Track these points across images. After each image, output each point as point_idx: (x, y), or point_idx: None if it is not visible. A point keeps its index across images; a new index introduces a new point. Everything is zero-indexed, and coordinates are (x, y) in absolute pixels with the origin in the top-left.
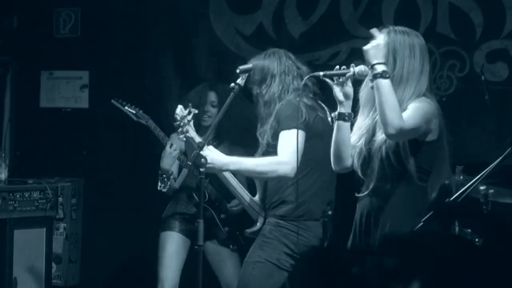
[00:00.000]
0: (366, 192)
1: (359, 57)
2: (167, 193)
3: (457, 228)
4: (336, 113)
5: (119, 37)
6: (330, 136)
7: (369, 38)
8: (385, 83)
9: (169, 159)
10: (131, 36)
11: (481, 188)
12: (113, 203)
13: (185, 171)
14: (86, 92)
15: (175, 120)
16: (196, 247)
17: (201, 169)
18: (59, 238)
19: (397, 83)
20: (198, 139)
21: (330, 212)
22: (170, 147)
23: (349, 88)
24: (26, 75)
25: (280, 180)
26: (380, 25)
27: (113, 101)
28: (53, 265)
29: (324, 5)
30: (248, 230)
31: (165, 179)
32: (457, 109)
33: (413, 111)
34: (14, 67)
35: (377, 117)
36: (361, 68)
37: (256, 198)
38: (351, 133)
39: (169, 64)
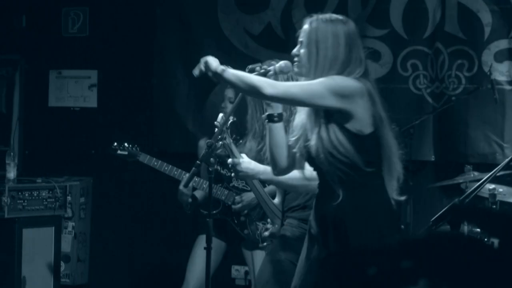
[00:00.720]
0: (320, 197)
1: (367, 56)
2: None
3: (466, 228)
4: (265, 115)
5: (127, 36)
6: None
7: (378, 37)
8: (279, 126)
9: (184, 196)
10: (139, 35)
11: (490, 187)
12: (121, 202)
13: (194, 170)
14: (95, 91)
15: (215, 127)
16: (204, 248)
17: (210, 169)
18: (68, 237)
19: (319, 73)
20: (234, 148)
21: None
22: (185, 186)
23: None
24: (35, 74)
25: (308, 193)
26: (384, 25)
27: (106, 151)
28: (62, 264)
29: (332, 5)
30: (267, 232)
31: (188, 206)
32: (466, 108)
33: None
34: (23, 66)
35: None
36: (281, 64)
37: (276, 201)
38: (287, 132)
39: (177, 63)
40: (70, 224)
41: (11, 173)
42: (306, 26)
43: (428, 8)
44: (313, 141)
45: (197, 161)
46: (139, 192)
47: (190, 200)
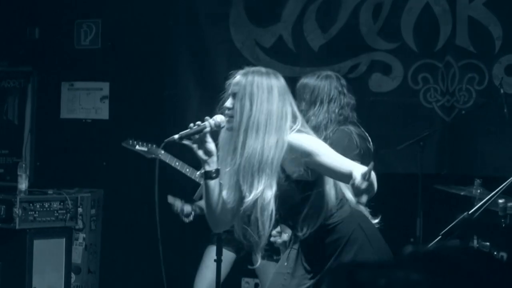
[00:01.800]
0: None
1: (378, 69)
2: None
3: (475, 242)
4: (202, 172)
5: (139, 49)
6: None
7: (389, 51)
8: (215, 183)
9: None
10: (151, 48)
11: (500, 201)
12: (132, 214)
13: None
14: (107, 103)
15: None
16: (214, 260)
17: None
18: (79, 248)
19: (255, 130)
20: None
21: None
22: (195, 199)
23: (210, 144)
24: (47, 86)
25: None
26: (395, 39)
27: (123, 144)
28: (72, 275)
29: (343, 18)
30: (279, 240)
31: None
32: (476, 122)
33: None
34: (35, 78)
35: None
36: (216, 119)
37: None
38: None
39: (188, 75)
40: (81, 235)
41: (23, 185)
42: (239, 78)
43: (439, 21)
44: (249, 200)
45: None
46: (150, 203)
47: (190, 208)
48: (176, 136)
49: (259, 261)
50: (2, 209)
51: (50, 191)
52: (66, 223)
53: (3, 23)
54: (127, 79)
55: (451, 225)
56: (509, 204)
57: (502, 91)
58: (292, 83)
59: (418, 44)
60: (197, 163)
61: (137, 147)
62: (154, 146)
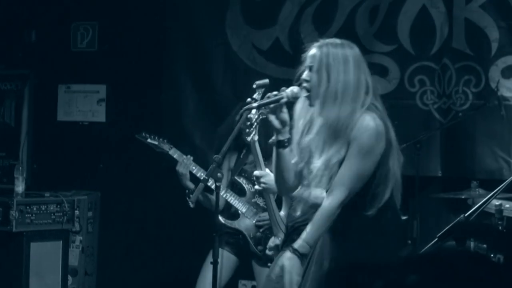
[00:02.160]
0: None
1: (375, 71)
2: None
3: (472, 244)
4: (275, 140)
5: (136, 51)
6: None
7: (385, 53)
8: (287, 151)
9: (181, 176)
10: (148, 50)
11: (496, 203)
12: (129, 217)
13: (201, 185)
14: (103, 106)
15: (249, 120)
16: (211, 262)
17: (217, 183)
18: (75, 251)
19: (332, 100)
20: (259, 153)
21: None
22: (184, 166)
23: (285, 114)
24: (44, 88)
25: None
26: (392, 41)
27: (136, 135)
28: (69, 277)
29: (340, 20)
30: (272, 244)
31: (190, 195)
32: (473, 124)
33: (344, 174)
34: (32, 81)
35: (314, 138)
36: (292, 90)
37: (282, 213)
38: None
39: (186, 78)
40: (78, 238)
41: (20, 187)
42: (315, 51)
43: (436, 24)
44: (316, 164)
45: (204, 177)
46: (147, 206)
47: (192, 186)
48: (255, 104)
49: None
50: None
51: (47, 194)
52: (63, 226)
53: None
54: (124, 81)
55: (447, 228)
56: (506, 206)
57: (498, 93)
58: (289, 86)
59: (414, 47)
60: (202, 162)
61: (148, 140)
62: (165, 141)
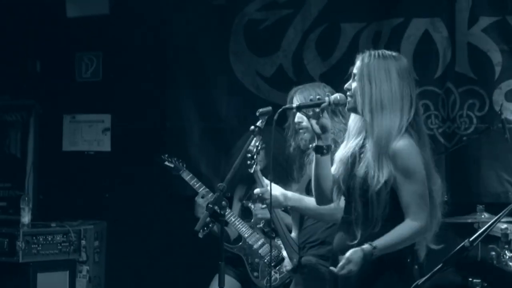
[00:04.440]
0: (355, 242)
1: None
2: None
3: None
4: (314, 146)
5: (140, 81)
6: None
7: None
8: (326, 159)
9: (200, 208)
10: (152, 79)
11: (502, 227)
12: (135, 246)
13: (206, 214)
14: (108, 135)
15: (249, 152)
16: None
17: (222, 211)
18: (82, 281)
19: (380, 110)
20: (260, 175)
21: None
22: (202, 197)
23: (326, 120)
24: (49, 119)
25: (329, 223)
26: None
27: (155, 157)
28: None
29: (343, 46)
30: (288, 267)
31: (204, 227)
32: (477, 148)
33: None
34: (37, 111)
35: (363, 144)
36: (336, 97)
37: (293, 235)
38: (331, 164)
39: (190, 106)
40: (85, 268)
41: (26, 218)
42: (358, 61)
43: (439, 48)
44: (360, 171)
45: (209, 205)
46: (154, 235)
47: (208, 219)
48: (295, 105)
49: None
50: (5, 242)
51: (53, 224)
52: (70, 256)
53: (4, 57)
54: (128, 111)
55: (452, 253)
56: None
57: (502, 116)
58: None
59: (418, 71)
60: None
61: (166, 162)
62: (180, 163)
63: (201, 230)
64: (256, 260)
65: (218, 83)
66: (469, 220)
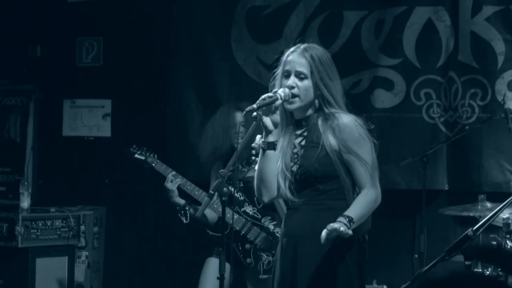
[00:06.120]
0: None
1: (380, 85)
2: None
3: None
4: (266, 142)
5: (141, 66)
6: None
7: (391, 67)
8: (274, 154)
9: (171, 192)
10: (153, 65)
11: (504, 217)
12: (135, 232)
13: (207, 200)
14: (109, 120)
15: (254, 149)
16: (217, 277)
17: (224, 198)
18: (81, 266)
19: (335, 104)
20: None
21: (366, 238)
22: (171, 182)
23: (277, 116)
24: (49, 103)
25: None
26: (397, 54)
27: (124, 149)
28: None
29: (345, 34)
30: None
31: (181, 211)
32: (479, 137)
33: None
34: (37, 96)
35: (294, 139)
36: (285, 91)
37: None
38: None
39: (191, 92)
40: (84, 253)
41: (25, 203)
42: (299, 57)
43: (441, 37)
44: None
45: (210, 191)
46: (153, 220)
47: (183, 202)
48: (255, 106)
49: None
50: (4, 227)
51: (52, 209)
52: (69, 241)
53: (4, 41)
54: (129, 96)
55: (454, 242)
56: None
57: (505, 106)
58: None
59: (420, 60)
60: (207, 176)
61: (136, 155)
62: (152, 155)
63: (180, 215)
64: (247, 246)
65: (220, 69)
66: (471, 214)
